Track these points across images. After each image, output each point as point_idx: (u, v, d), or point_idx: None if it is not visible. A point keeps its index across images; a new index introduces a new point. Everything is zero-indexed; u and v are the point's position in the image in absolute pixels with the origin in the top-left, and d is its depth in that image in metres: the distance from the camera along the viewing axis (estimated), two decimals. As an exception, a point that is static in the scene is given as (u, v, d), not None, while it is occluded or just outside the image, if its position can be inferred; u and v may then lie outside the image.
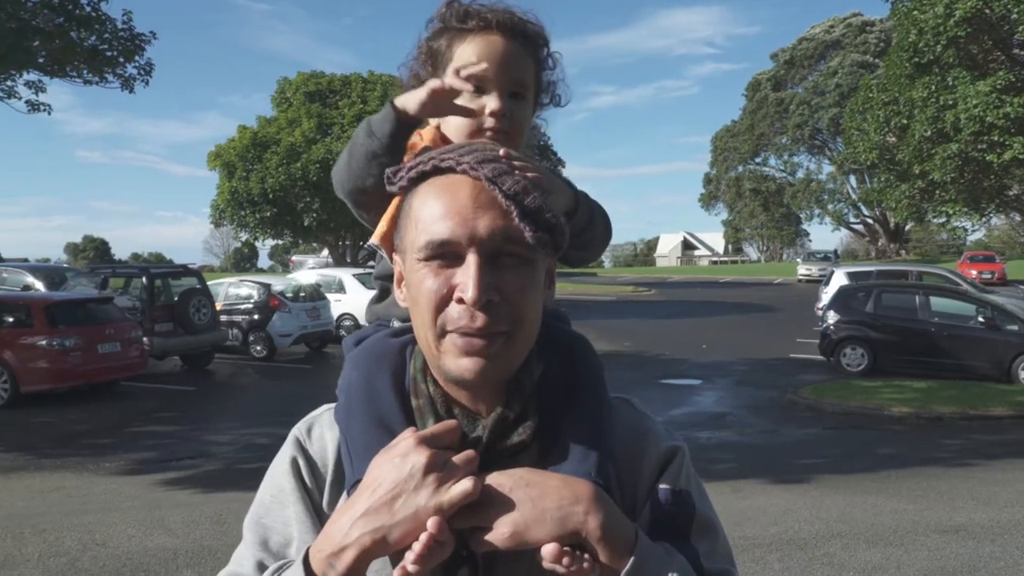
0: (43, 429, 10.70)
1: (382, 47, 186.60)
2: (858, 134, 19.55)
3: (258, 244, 31.38)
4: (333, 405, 1.09)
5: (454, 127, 1.17)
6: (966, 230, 19.82)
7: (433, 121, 1.21)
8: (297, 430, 1.09)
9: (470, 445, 0.95)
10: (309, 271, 24.97)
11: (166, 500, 7.37)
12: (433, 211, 0.93)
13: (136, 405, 12.35)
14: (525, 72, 1.17)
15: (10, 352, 12.00)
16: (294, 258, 45.19)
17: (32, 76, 15.82)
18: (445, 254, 0.92)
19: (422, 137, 1.19)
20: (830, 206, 59.73)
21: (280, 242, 36.93)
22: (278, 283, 18.89)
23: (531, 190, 0.93)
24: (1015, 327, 14.17)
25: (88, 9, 15.02)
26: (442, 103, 1.10)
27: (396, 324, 1.15)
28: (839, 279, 19.63)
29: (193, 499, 7.42)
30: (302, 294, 18.21)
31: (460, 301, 0.91)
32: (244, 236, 30.82)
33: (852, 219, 62.71)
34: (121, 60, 15.76)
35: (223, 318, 16.85)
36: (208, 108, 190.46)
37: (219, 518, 6.60)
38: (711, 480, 8.21)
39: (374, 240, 1.13)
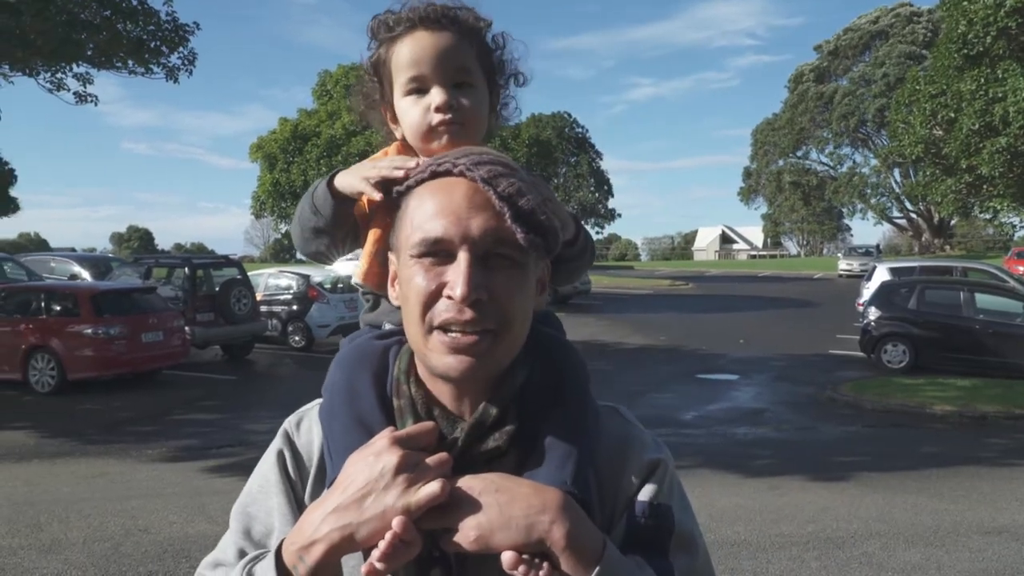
0: (88, 416, 10.97)
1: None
2: (904, 127, 19.15)
3: (297, 235, 31.65)
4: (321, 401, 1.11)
5: (408, 126, 1.16)
6: (1014, 226, 19.31)
7: (397, 133, 1.22)
8: (287, 423, 1.12)
9: (446, 447, 0.96)
10: (347, 262, 25.06)
11: (206, 487, 7.51)
12: (428, 209, 0.95)
13: (178, 393, 12.60)
14: (464, 59, 1.15)
15: (57, 340, 12.31)
16: (332, 249, 45.64)
17: (80, 69, 16.19)
18: (437, 252, 0.94)
19: (388, 154, 1.20)
20: (873, 200, 58.64)
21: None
22: (317, 274, 19.06)
23: (525, 192, 0.94)
24: (1064, 325, 13.81)
25: (134, 2, 15.32)
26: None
27: (386, 327, 1.16)
28: (881, 274, 19.28)
29: (233, 487, 7.53)
30: (340, 285, 18.34)
31: (449, 298, 0.93)
32: (284, 227, 31.14)
33: (895, 214, 61.53)
34: (165, 50, 16.04)
35: (263, 308, 17.04)
36: (250, 101, 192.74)
37: (258, 505, 6.70)
38: (748, 476, 8.16)
39: (357, 279, 1.17)
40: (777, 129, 63.12)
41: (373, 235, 1.13)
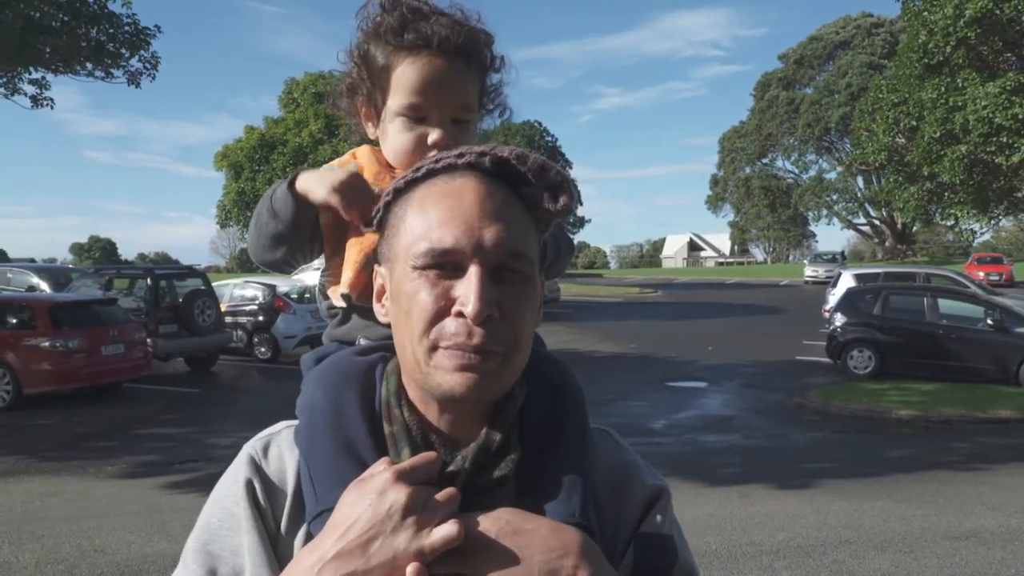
0: (44, 432, 10.65)
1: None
2: (867, 135, 19.42)
3: (264, 245, 31.26)
4: (292, 423, 0.99)
5: (393, 147, 1.11)
6: (974, 232, 19.66)
7: (370, 132, 1.16)
8: (251, 448, 0.98)
9: (447, 478, 0.88)
10: (315, 272, 24.87)
11: (167, 505, 7.32)
12: (435, 216, 0.87)
13: (139, 407, 12.32)
14: (468, 95, 1.10)
15: (13, 354, 11.95)
16: (300, 259, 45.22)
17: (37, 74, 15.84)
18: (445, 264, 0.86)
19: (356, 157, 1.14)
20: (838, 206, 59.56)
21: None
22: (283, 284, 18.84)
23: (551, 165, 0.90)
24: (1023, 330, 14.04)
25: (94, 7, 15.03)
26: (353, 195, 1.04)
27: (362, 342, 1.08)
28: (846, 281, 19.51)
29: (195, 503, 7.33)
30: (307, 295, 18.16)
31: (459, 315, 0.85)
32: (250, 237, 30.80)
33: (859, 220, 62.57)
34: (126, 53, 15.75)
35: (228, 319, 16.80)
36: (217, 109, 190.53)
37: (220, 523, 6.53)
38: (717, 485, 8.15)
39: (344, 289, 1.08)
40: (744, 136, 63.95)
41: (357, 243, 1.05)
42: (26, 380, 11.87)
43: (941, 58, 15.73)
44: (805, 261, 50.89)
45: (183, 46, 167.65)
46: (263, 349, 17.14)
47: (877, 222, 61.33)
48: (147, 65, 16.11)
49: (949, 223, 18.52)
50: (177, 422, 11.50)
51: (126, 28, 15.40)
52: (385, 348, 1.01)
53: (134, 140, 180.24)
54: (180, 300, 15.53)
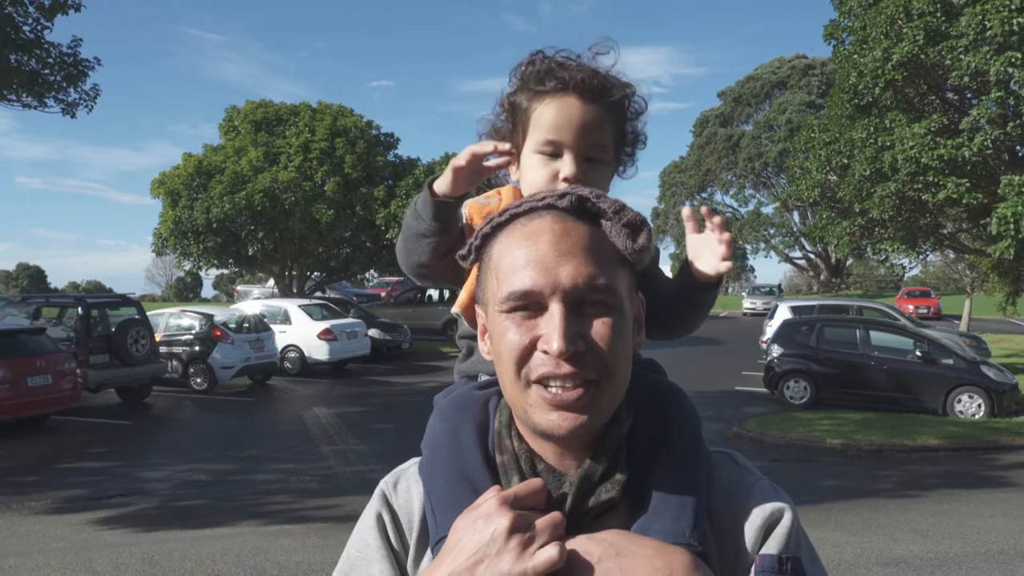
0: (-35, 466, 10.20)
1: (334, 79, 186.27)
2: (801, 171, 19.98)
3: (202, 273, 30.58)
4: (420, 458, 1.07)
5: (529, 182, 1.18)
6: (904, 267, 20.26)
7: (513, 175, 1.24)
8: (384, 484, 1.06)
9: (555, 505, 0.91)
10: (254, 301, 24.50)
11: (95, 541, 7.05)
12: (514, 261, 0.91)
13: (67, 440, 11.88)
14: (604, 135, 1.17)
15: (-67, 385, 11.45)
16: (239, 288, 44.37)
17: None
18: (528, 304, 0.90)
19: (501, 195, 1.22)
20: (775, 240, 61.07)
21: (225, 272, 36.19)
22: (221, 313, 18.47)
23: (627, 207, 0.94)
24: (950, 361, 14.55)
25: (30, 34, 14.66)
26: (472, 173, 1.13)
27: (483, 378, 1.14)
28: (783, 313, 19.97)
29: (123, 539, 7.11)
30: (246, 325, 17.82)
31: (545, 352, 0.89)
32: (187, 265, 30.08)
33: (796, 254, 64.20)
34: (64, 85, 15.39)
35: (163, 349, 16.41)
36: (156, 136, 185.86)
37: (150, 559, 6.33)
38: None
39: (456, 309, 1.16)
40: (684, 171, 65.18)
41: (474, 270, 1.10)
42: (-55, 412, 11.36)
43: (870, 99, 16.32)
44: (743, 293, 51.97)
45: (122, 72, 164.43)
46: (199, 380, 16.74)
47: (812, 256, 63.02)
48: (85, 97, 15.74)
49: (880, 257, 19.03)
50: (106, 455, 11.11)
51: (66, 59, 15.05)
52: None
53: (68, 166, 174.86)
54: (113, 329, 15.10)
